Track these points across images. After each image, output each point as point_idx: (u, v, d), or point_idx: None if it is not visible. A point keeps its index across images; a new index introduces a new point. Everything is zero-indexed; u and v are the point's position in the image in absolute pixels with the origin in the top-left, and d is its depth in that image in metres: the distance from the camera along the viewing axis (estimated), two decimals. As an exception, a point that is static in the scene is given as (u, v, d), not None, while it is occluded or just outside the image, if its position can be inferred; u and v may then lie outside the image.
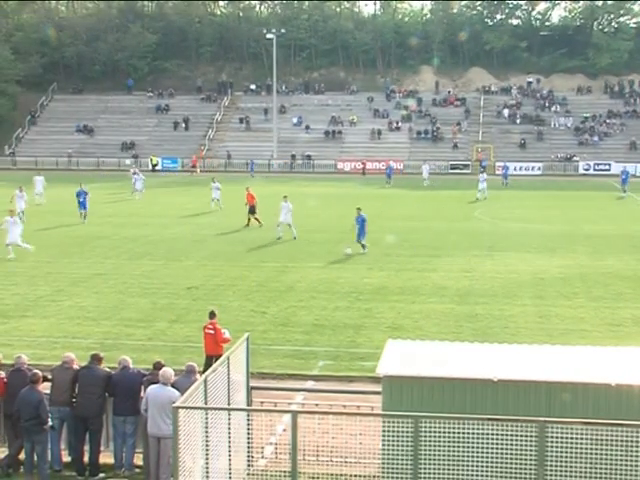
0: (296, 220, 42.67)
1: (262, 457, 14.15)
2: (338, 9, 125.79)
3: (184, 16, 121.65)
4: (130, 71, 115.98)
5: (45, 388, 15.18)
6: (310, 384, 19.53)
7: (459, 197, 64.88)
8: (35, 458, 14.59)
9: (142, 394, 15.03)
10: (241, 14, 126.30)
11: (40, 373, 14.93)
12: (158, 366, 15.34)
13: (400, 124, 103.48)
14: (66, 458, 15.68)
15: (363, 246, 38.32)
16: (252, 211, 46.07)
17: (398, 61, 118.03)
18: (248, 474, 13.38)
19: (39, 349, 21.96)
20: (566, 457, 11.51)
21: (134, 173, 66.09)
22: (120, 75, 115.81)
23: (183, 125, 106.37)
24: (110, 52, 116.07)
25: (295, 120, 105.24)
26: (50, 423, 14.65)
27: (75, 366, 15.65)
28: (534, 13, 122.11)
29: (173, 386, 14.42)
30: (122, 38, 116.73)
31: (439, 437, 11.69)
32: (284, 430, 12.91)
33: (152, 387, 14.61)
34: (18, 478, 15.01)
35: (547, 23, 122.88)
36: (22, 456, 15.24)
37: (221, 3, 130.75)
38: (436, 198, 65.29)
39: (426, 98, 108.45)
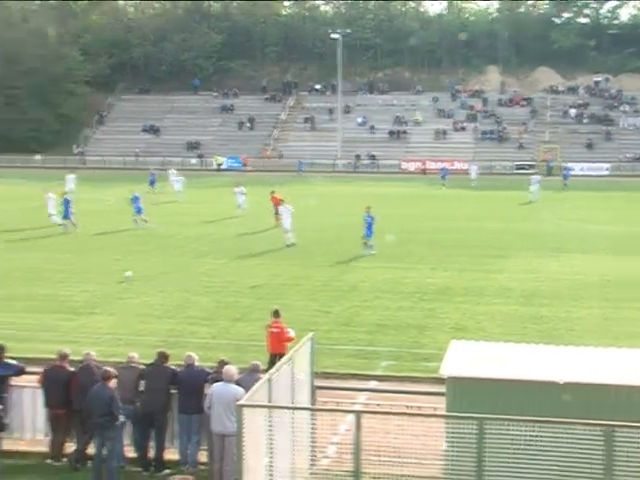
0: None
1: (325, 456, 14.16)
2: (403, 9, 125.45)
3: (249, 16, 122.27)
4: (196, 71, 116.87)
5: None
6: (373, 384, 19.49)
7: (520, 198, 63.94)
8: (104, 453, 14.76)
9: (206, 392, 15.18)
10: (306, 14, 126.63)
11: (112, 370, 15.12)
12: (222, 364, 15.45)
13: (465, 124, 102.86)
14: (131, 454, 15.88)
15: (367, 245, 38.07)
16: (277, 212, 45.68)
17: (463, 61, 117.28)
18: (311, 473, 13.40)
19: (105, 346, 22.24)
20: (635, 462, 11.31)
21: (171, 174, 66.69)
22: (186, 75, 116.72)
23: (248, 125, 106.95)
24: (176, 52, 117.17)
25: (360, 120, 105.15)
26: (122, 419, 14.82)
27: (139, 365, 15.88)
28: (602, 11, 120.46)
29: (237, 384, 14.50)
30: (188, 38, 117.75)
31: (503, 439, 11.58)
32: (347, 430, 12.90)
33: (216, 385, 14.71)
34: (85, 472, 15.22)
35: (616, 21, 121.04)
36: (90, 451, 15.46)
37: (286, 3, 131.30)
38: (495, 199, 64.56)
39: (492, 98, 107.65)
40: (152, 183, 65.88)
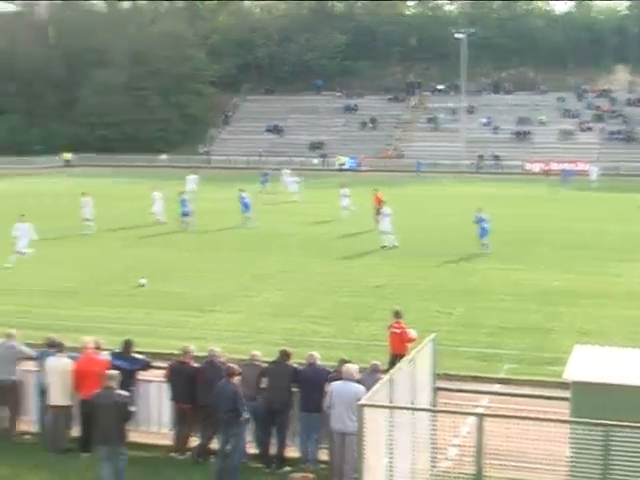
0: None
1: (446, 458, 14.06)
2: (529, 7, 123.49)
3: (373, 16, 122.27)
4: (319, 71, 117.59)
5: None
6: (495, 387, 19.27)
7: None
8: (228, 449, 14.98)
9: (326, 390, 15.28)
10: (430, 14, 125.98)
11: (236, 367, 15.35)
12: (343, 363, 15.53)
13: (591, 124, 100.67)
14: (252, 450, 16.09)
15: (483, 245, 37.73)
16: (378, 213, 45.22)
17: (591, 60, 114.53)
18: (431, 475, 13.32)
19: (228, 343, 22.52)
20: None
21: (286, 174, 66.97)
22: (310, 75, 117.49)
23: (370, 125, 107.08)
24: (300, 52, 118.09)
25: (484, 120, 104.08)
26: (247, 416, 15.03)
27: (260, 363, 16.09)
28: None
29: (357, 383, 14.55)
30: (312, 38, 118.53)
31: (631, 447, 11.29)
32: (468, 432, 12.79)
33: (336, 383, 14.78)
34: (207, 467, 15.48)
35: None
36: (213, 446, 15.73)
37: (410, 3, 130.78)
38: (617, 200, 62.63)
39: (620, 97, 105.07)
40: (264, 183, 66.49)
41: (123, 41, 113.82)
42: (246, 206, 47.96)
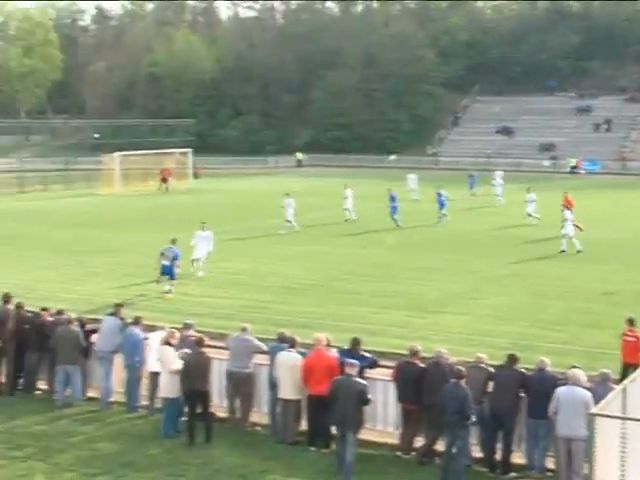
0: None
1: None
2: None
3: (611, 15, 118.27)
4: (552, 72, 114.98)
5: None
6: None
7: None
8: (454, 451, 14.95)
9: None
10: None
11: (464, 370, 15.27)
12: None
13: None
14: (477, 454, 15.97)
15: None
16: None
17: None
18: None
19: (455, 344, 22.42)
20: None
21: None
22: (542, 76, 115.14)
23: (604, 126, 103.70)
24: (533, 53, 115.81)
25: None
26: (473, 419, 14.95)
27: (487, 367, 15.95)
28: None
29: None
30: (545, 38, 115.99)
31: None
32: None
33: (562, 388, 14.45)
34: (432, 468, 15.49)
35: None
36: (438, 447, 15.74)
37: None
38: None
39: None
40: (471, 186, 65.48)
41: (355, 43, 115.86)
42: (442, 204, 48.59)
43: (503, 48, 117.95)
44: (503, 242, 41.46)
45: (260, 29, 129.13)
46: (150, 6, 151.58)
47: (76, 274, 33.50)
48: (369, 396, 15.28)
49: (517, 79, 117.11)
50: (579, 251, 38.12)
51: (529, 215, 48.95)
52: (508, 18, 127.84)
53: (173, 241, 30.05)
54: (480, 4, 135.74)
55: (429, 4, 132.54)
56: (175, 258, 29.33)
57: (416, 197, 60.39)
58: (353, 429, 15.13)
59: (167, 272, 29.31)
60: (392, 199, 47.81)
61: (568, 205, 43.55)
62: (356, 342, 16.97)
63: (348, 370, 15.28)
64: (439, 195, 49.21)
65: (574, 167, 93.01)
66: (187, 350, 16.97)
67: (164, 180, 71.51)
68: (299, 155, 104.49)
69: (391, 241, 41.41)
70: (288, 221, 45.48)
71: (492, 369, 15.91)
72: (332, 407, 15.21)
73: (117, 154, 73.50)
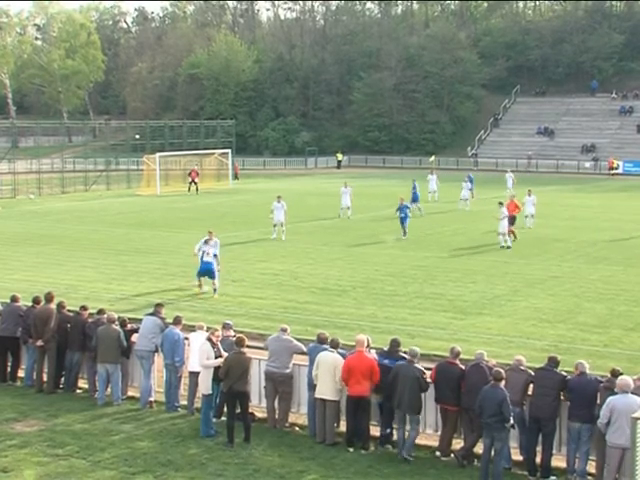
0: None
1: None
2: None
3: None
4: (594, 73, 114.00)
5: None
6: None
7: None
8: (492, 454, 14.88)
9: (597, 402, 14.85)
10: None
11: (503, 372, 15.20)
12: (615, 374, 15.02)
13: None
14: (516, 457, 15.88)
15: None
16: (512, 222, 41.81)
17: None
18: None
19: (494, 346, 22.37)
20: None
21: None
22: (583, 77, 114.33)
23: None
24: (574, 54, 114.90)
25: None
26: (512, 422, 14.86)
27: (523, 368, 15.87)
28: None
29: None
30: (587, 39, 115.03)
31: None
32: None
33: (615, 397, 14.20)
34: (471, 470, 15.44)
35: None
36: (477, 449, 15.68)
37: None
38: None
39: None
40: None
41: (395, 44, 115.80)
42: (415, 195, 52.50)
43: (544, 49, 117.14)
44: (541, 244, 41.15)
45: (300, 30, 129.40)
46: (190, 7, 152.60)
47: (117, 274, 33.75)
48: (427, 381, 16.08)
49: (558, 80, 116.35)
50: (505, 247, 39.46)
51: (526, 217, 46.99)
52: (549, 19, 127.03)
53: (210, 232, 30.39)
54: (521, 5, 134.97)
55: (469, 5, 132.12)
56: (215, 256, 29.53)
57: (435, 199, 60.45)
58: (412, 411, 16.07)
59: (208, 270, 29.42)
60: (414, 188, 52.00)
61: (514, 208, 42.80)
62: (395, 343, 16.94)
63: (410, 357, 16.22)
64: (414, 187, 53.00)
65: (615, 168, 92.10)
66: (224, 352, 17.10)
67: (193, 181, 71.64)
68: (339, 155, 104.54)
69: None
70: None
71: (532, 372, 15.81)
72: (393, 391, 16.11)
73: (158, 155, 73.91)
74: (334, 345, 16.95)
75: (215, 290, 29.30)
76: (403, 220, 43.58)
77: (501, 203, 41.96)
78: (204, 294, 29.44)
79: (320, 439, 16.78)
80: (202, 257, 29.57)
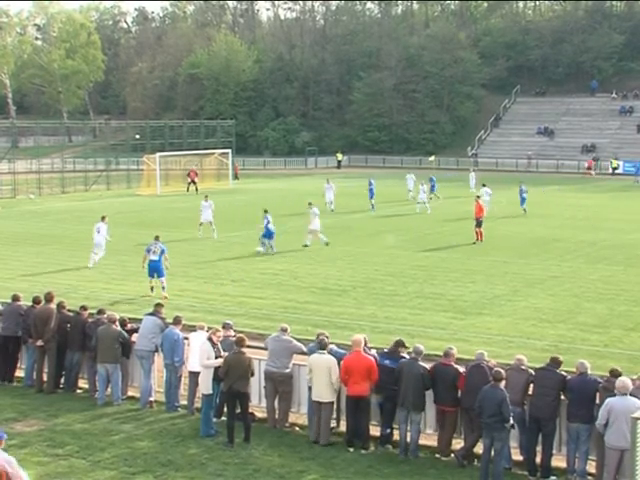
0: None
1: None
2: None
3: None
4: (594, 73, 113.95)
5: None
6: None
7: None
8: (492, 454, 14.88)
9: (597, 402, 14.85)
10: None
11: (503, 372, 15.19)
12: (614, 374, 15.00)
13: None
14: (517, 457, 15.88)
15: None
16: (479, 224, 42.03)
17: None
18: None
19: (495, 346, 22.37)
20: None
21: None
22: (583, 77, 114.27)
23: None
24: (574, 54, 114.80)
25: None
26: (511, 422, 14.86)
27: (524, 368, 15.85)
28: None
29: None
30: (587, 39, 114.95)
31: None
32: None
33: (614, 399, 14.17)
34: (471, 470, 15.44)
35: None
36: (477, 449, 15.68)
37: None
38: None
39: None
40: (433, 188, 64.31)
41: (395, 44, 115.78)
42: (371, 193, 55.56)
43: (544, 49, 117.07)
44: (541, 244, 41.15)
45: (300, 30, 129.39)
46: (190, 7, 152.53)
47: (117, 273, 33.76)
48: (430, 379, 16.06)
49: (558, 80, 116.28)
50: (306, 245, 39.92)
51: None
52: (549, 19, 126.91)
53: (157, 237, 30.48)
54: (521, 5, 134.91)
55: (469, 5, 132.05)
56: (163, 252, 29.67)
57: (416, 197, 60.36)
58: (416, 409, 16.09)
59: (155, 269, 29.38)
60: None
61: (479, 211, 42.47)
62: (398, 344, 16.90)
63: (414, 355, 16.33)
64: (370, 184, 55.66)
65: (615, 168, 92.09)
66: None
67: (192, 182, 71.55)
68: (339, 155, 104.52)
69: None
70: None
71: (532, 371, 15.80)
72: (397, 388, 16.18)
73: (158, 155, 73.89)
74: (322, 346, 16.86)
75: (164, 288, 29.24)
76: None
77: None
78: (151, 296, 28.99)
79: (313, 438, 16.77)
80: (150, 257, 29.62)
